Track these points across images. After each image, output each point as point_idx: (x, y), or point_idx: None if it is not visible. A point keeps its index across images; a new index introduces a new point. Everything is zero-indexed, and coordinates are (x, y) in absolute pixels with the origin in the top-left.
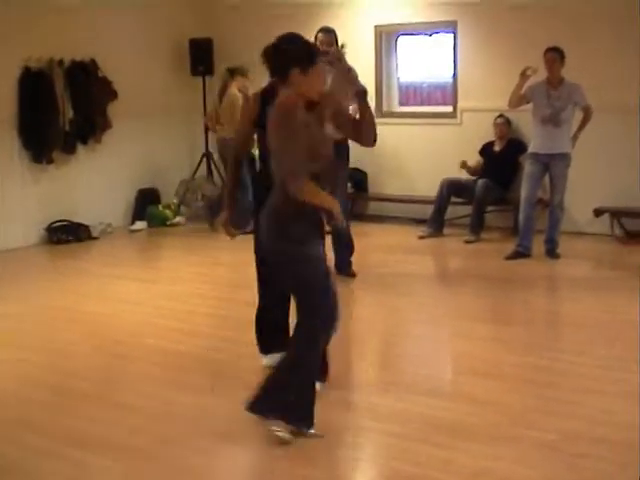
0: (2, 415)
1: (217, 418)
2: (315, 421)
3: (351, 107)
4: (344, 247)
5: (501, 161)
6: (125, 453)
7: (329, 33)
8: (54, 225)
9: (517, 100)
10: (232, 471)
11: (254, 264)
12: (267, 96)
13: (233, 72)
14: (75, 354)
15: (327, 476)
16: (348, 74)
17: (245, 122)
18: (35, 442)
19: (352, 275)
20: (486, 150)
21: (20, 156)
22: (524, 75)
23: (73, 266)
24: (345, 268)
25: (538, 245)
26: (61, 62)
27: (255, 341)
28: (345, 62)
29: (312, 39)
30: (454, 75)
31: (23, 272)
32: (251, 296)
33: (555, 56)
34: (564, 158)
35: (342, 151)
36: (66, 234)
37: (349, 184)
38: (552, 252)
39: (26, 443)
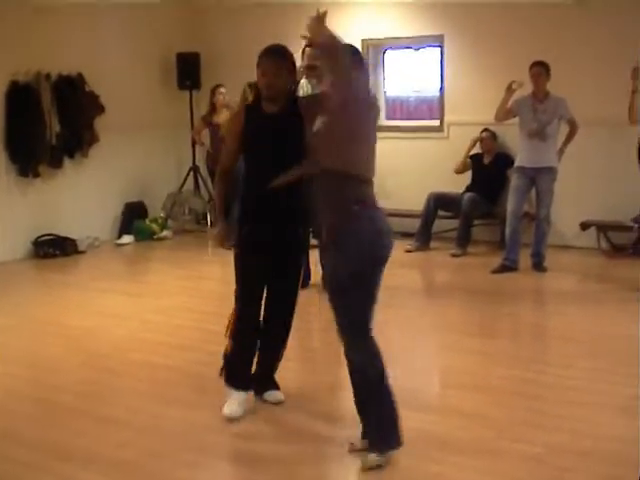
0: None
1: (204, 432)
2: (302, 436)
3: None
4: None
5: (488, 175)
6: (112, 467)
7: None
8: (41, 239)
9: (503, 114)
10: None
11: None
12: (252, 108)
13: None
14: (61, 368)
15: None
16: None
17: (233, 137)
18: (21, 456)
19: None
20: (475, 158)
21: (7, 170)
22: (510, 89)
23: (60, 280)
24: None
25: (525, 259)
26: (48, 76)
27: None
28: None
29: (299, 54)
30: (441, 89)
31: (9, 286)
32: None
33: (541, 70)
34: (550, 172)
35: None
36: (53, 248)
37: None
38: (539, 265)
39: (12, 457)
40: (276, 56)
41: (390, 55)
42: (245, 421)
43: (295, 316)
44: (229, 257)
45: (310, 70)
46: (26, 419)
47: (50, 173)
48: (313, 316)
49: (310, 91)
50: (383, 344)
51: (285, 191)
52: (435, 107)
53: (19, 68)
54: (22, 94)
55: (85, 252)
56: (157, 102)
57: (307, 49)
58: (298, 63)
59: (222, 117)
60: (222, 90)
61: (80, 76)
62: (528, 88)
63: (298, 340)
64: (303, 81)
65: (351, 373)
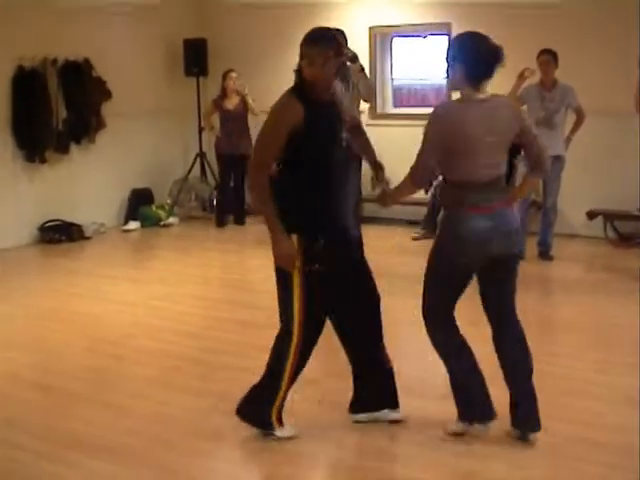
0: None
1: (211, 419)
2: (311, 422)
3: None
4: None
5: None
6: (119, 455)
7: (341, 34)
8: (47, 225)
9: (514, 101)
10: (226, 472)
11: (246, 265)
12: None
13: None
14: (67, 354)
15: (318, 478)
16: (361, 73)
17: (284, 130)
18: (27, 443)
19: None
20: None
21: (13, 156)
22: (522, 76)
23: (65, 266)
24: None
25: (531, 247)
26: (55, 61)
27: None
28: (358, 62)
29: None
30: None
31: (15, 272)
32: (244, 297)
33: (549, 58)
34: (558, 160)
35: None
36: (59, 234)
37: None
38: (545, 254)
39: (18, 444)
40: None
41: (397, 43)
42: None
43: None
44: (234, 245)
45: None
46: (33, 406)
47: (57, 159)
48: None
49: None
50: (390, 333)
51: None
52: (442, 95)
53: (25, 53)
54: (28, 79)
55: (91, 238)
56: (164, 88)
57: None
58: None
59: (233, 102)
60: (233, 75)
61: (87, 61)
62: (536, 76)
63: None
64: None
65: None
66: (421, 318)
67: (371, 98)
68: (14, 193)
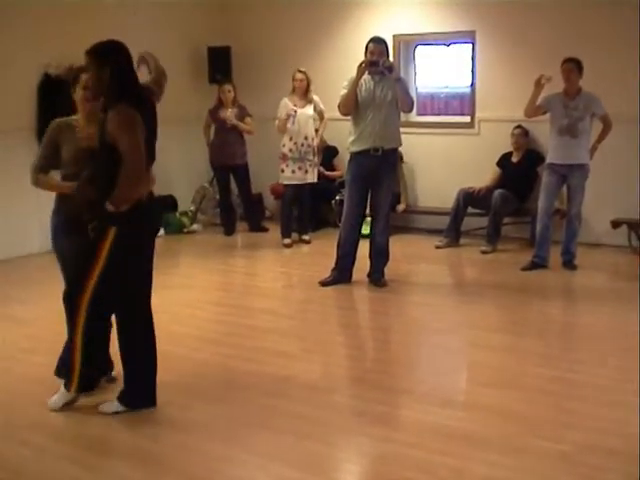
0: (19, 419)
1: (233, 426)
2: (325, 429)
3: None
4: (379, 256)
5: (518, 172)
6: (141, 460)
7: (380, 43)
8: None
9: (533, 110)
10: (248, 478)
11: (265, 272)
12: None
13: None
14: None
15: None
16: (397, 83)
17: None
18: (51, 446)
19: (383, 285)
20: (504, 161)
21: None
22: (539, 84)
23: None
24: (378, 277)
25: (555, 256)
26: (72, 68)
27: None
28: (396, 72)
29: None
30: (472, 85)
31: (39, 277)
32: (266, 303)
33: (572, 67)
34: (582, 169)
35: (389, 159)
36: None
37: None
38: (569, 263)
39: (43, 447)
40: None
41: (421, 51)
42: (275, 415)
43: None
44: (258, 252)
45: (372, 66)
46: (58, 410)
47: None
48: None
49: (372, 87)
50: (411, 340)
51: None
52: (466, 103)
53: (51, 61)
54: (54, 87)
55: None
56: (188, 96)
57: (370, 44)
58: (361, 58)
59: (228, 113)
60: (227, 88)
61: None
62: (560, 84)
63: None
64: (365, 76)
65: None
66: (442, 325)
67: (407, 108)
68: (38, 201)
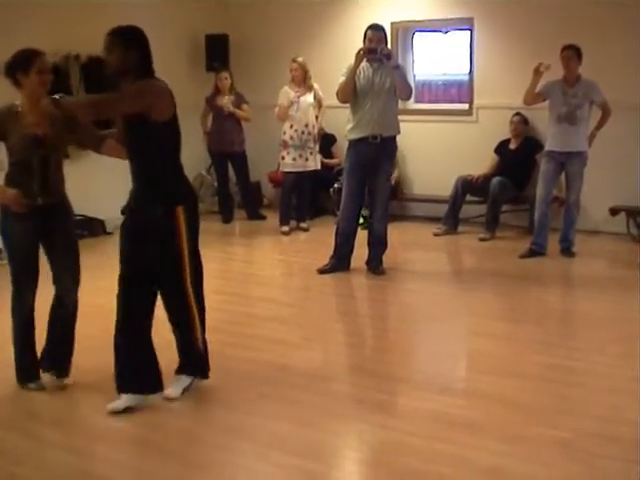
0: (16, 407)
1: (233, 413)
2: (325, 417)
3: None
4: (377, 244)
5: (517, 159)
6: (142, 447)
7: (378, 30)
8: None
9: (532, 97)
10: (249, 466)
11: (263, 260)
12: None
13: None
14: (92, 348)
15: (338, 473)
16: (395, 70)
17: None
18: (49, 435)
19: (381, 273)
20: (502, 148)
21: None
22: (537, 72)
23: (88, 260)
24: (376, 265)
25: (553, 243)
26: (77, 57)
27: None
28: (394, 59)
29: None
30: (470, 72)
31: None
32: (265, 291)
33: (572, 54)
34: (580, 156)
35: (387, 147)
36: (81, 229)
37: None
38: (567, 251)
39: (41, 436)
40: None
41: (419, 38)
42: (274, 402)
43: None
44: (256, 240)
45: (371, 53)
46: (57, 399)
47: (78, 153)
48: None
49: (371, 74)
50: (410, 328)
51: None
52: (464, 90)
53: (48, 49)
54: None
55: (113, 233)
56: (186, 83)
57: (368, 32)
58: (359, 46)
59: (225, 100)
60: (223, 75)
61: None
62: (559, 71)
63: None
64: (363, 63)
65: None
66: (440, 313)
67: (406, 96)
68: None
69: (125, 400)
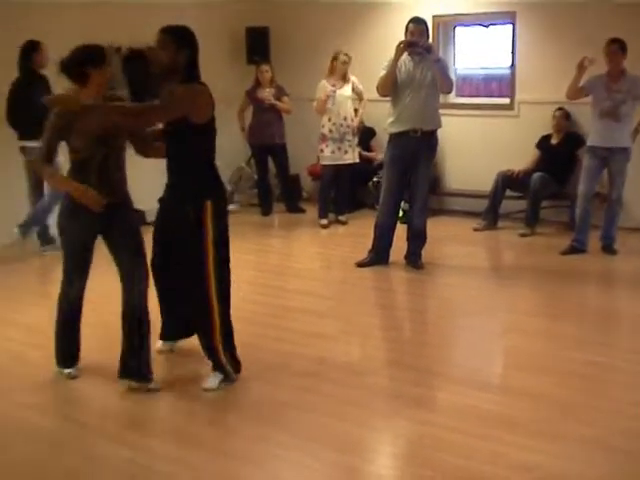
0: (56, 394)
1: (267, 405)
2: (362, 411)
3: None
4: (416, 238)
5: (558, 155)
6: (177, 436)
7: (419, 24)
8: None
9: (575, 92)
10: (288, 458)
11: (304, 253)
12: None
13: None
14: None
15: (375, 468)
16: (435, 64)
17: None
18: (88, 421)
19: (420, 267)
20: (543, 143)
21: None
22: (582, 66)
23: None
24: (415, 259)
25: (594, 240)
26: (119, 49)
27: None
28: (434, 52)
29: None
30: (512, 66)
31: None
32: (303, 284)
33: (617, 48)
34: (624, 152)
35: (428, 140)
36: None
37: None
38: (609, 248)
39: (79, 422)
40: None
41: (460, 32)
42: (311, 396)
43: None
44: (295, 233)
45: (411, 46)
46: (93, 386)
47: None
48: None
49: (412, 67)
50: (448, 322)
51: None
52: (504, 85)
53: (89, 41)
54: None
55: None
56: (226, 76)
57: (410, 25)
58: (400, 38)
59: (266, 92)
60: (264, 68)
61: (151, 49)
62: (603, 66)
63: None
64: (404, 57)
65: None
66: (478, 308)
67: (447, 89)
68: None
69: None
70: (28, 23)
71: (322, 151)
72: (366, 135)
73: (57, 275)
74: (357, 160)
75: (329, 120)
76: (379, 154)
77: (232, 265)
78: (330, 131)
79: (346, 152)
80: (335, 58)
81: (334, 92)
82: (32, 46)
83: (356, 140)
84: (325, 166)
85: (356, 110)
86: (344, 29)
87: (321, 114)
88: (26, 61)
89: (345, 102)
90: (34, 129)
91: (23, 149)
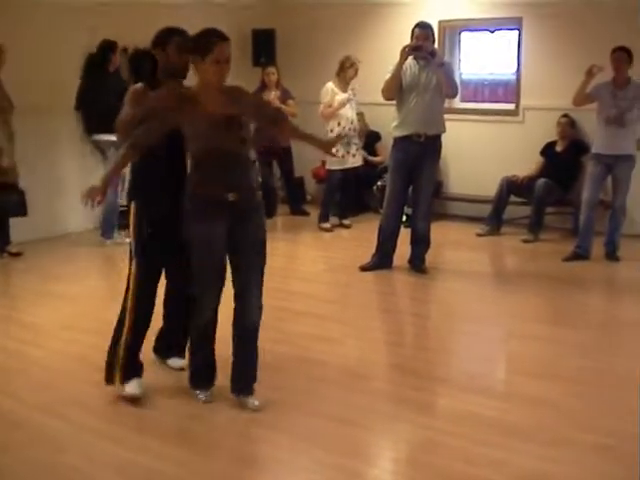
0: (58, 394)
1: (272, 408)
2: (364, 415)
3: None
4: (420, 243)
5: (563, 162)
6: (185, 439)
7: (425, 29)
8: (120, 210)
9: (582, 99)
10: (289, 461)
11: (308, 256)
12: None
13: None
14: None
15: (377, 472)
16: (440, 69)
17: None
18: (90, 422)
19: (424, 271)
20: (548, 150)
21: (82, 141)
22: (590, 73)
23: None
24: (418, 264)
25: (598, 247)
26: (125, 50)
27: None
28: (439, 56)
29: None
30: (517, 72)
31: (84, 254)
32: (306, 287)
33: (622, 55)
34: (628, 160)
35: (432, 145)
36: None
37: None
38: (612, 255)
39: (81, 423)
40: None
41: (466, 37)
42: (314, 399)
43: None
44: (301, 237)
45: (417, 50)
46: (96, 387)
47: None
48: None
49: (417, 71)
50: (451, 327)
51: None
52: (510, 90)
53: (96, 41)
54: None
55: None
56: (232, 78)
57: (416, 29)
58: (406, 42)
59: (272, 95)
60: (270, 70)
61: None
62: (609, 74)
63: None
64: (410, 61)
65: None
66: (482, 314)
67: (451, 93)
68: (84, 180)
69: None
70: (33, 22)
71: (333, 156)
72: (371, 139)
73: (58, 272)
74: (361, 163)
75: (338, 124)
76: (384, 158)
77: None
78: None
79: (353, 155)
80: (351, 65)
81: (354, 96)
82: (110, 46)
83: (361, 143)
84: (333, 170)
85: (360, 114)
86: (350, 32)
87: (328, 120)
88: (104, 59)
89: (350, 105)
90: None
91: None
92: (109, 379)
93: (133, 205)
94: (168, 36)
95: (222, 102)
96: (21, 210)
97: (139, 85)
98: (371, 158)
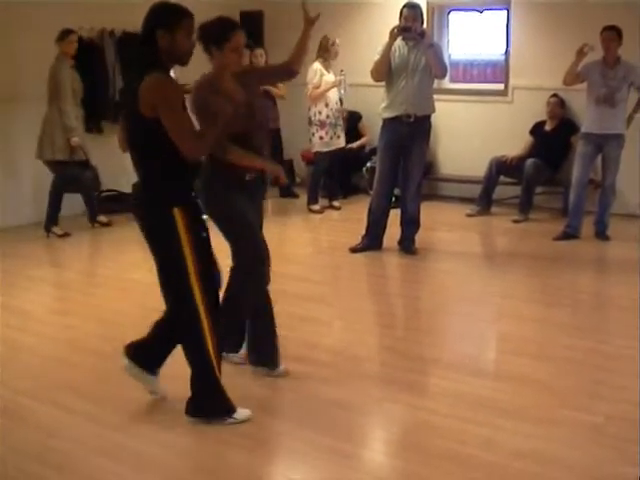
0: (51, 380)
1: (263, 390)
2: (356, 397)
3: None
4: (410, 224)
5: (552, 141)
6: (172, 422)
7: (413, 9)
8: (103, 195)
9: (572, 78)
10: (280, 443)
11: (298, 238)
12: None
13: None
14: (124, 323)
15: (368, 453)
16: (429, 49)
17: None
18: (82, 407)
19: (414, 252)
20: (537, 130)
21: None
22: (581, 52)
23: (122, 235)
24: (408, 245)
25: (588, 227)
26: (112, 33)
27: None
28: (428, 37)
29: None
30: (506, 52)
31: (73, 240)
32: (296, 269)
33: (612, 35)
34: (618, 139)
35: (421, 126)
36: (115, 204)
37: None
38: (602, 234)
39: (73, 408)
40: None
41: (455, 17)
42: (304, 381)
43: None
44: (286, 217)
45: (405, 31)
46: (89, 372)
47: (113, 129)
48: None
49: (406, 53)
50: (441, 308)
51: None
52: (499, 71)
53: (83, 24)
54: (86, 51)
55: None
56: None
57: (404, 10)
58: (394, 23)
59: None
60: (260, 52)
61: None
62: (599, 53)
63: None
64: (398, 42)
65: None
66: (472, 294)
67: (440, 74)
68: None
69: None
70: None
71: (322, 138)
72: (352, 120)
73: (50, 259)
74: (344, 144)
75: (326, 106)
76: (369, 139)
77: (225, 249)
78: (328, 117)
79: (339, 137)
80: (332, 43)
81: (344, 78)
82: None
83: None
84: (321, 152)
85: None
86: (338, 14)
87: (316, 102)
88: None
89: (341, 87)
90: None
91: None
92: (210, 411)
93: (176, 211)
94: (177, 18)
95: (237, 88)
96: (95, 185)
97: (165, 76)
98: (356, 144)
